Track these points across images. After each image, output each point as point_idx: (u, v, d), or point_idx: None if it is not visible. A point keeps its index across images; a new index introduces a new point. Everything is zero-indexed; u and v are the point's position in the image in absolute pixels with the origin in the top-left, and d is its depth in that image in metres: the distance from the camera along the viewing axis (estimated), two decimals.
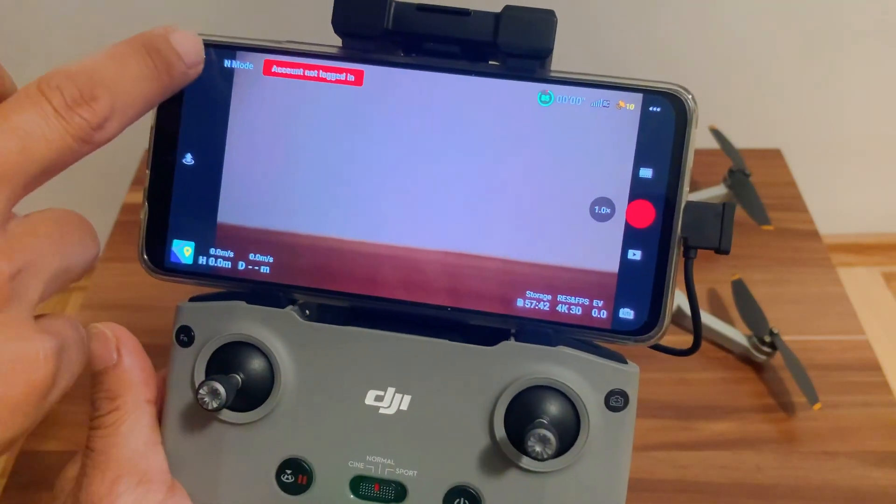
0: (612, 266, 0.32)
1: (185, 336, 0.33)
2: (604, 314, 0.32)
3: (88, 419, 0.32)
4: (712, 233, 0.31)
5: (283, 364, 0.33)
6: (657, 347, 0.34)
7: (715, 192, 0.74)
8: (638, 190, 0.31)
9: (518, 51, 0.31)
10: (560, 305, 0.32)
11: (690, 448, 0.58)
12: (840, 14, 0.99)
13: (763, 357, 0.62)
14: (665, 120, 0.31)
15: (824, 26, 1.00)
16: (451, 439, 0.32)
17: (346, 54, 0.32)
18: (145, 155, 0.74)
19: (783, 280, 0.70)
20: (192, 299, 0.34)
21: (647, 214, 0.31)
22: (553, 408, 0.31)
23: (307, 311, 0.34)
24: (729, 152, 0.75)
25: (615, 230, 0.32)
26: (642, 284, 0.32)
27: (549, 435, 0.29)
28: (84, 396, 0.41)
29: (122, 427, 0.31)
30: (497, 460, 0.32)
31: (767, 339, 0.61)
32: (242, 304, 0.33)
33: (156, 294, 0.65)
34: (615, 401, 0.32)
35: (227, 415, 0.33)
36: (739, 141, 0.77)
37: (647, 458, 0.57)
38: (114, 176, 1.01)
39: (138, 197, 0.78)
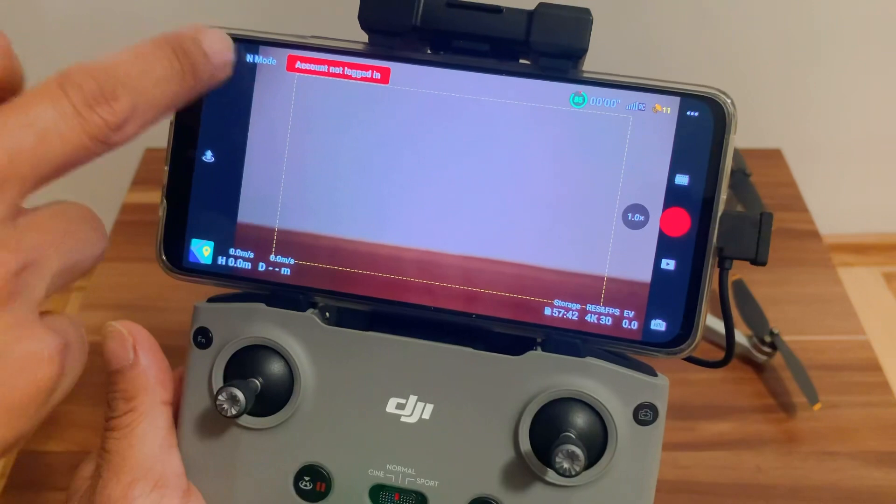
0: (645, 276, 0.31)
1: (202, 338, 0.33)
2: (634, 325, 0.31)
3: (104, 419, 0.32)
4: (749, 243, 0.30)
5: (302, 369, 0.32)
6: (690, 359, 0.33)
7: None
8: (673, 197, 0.30)
9: (551, 50, 0.30)
10: (589, 315, 0.31)
11: (690, 448, 0.58)
12: (840, 14, 0.99)
13: (763, 357, 0.62)
14: (703, 125, 0.30)
15: (825, 26, 1.00)
16: (474, 450, 0.31)
17: (373, 51, 0.32)
18: (146, 154, 0.74)
19: (783, 280, 0.70)
20: (211, 300, 0.33)
21: (682, 223, 0.30)
22: (580, 421, 0.30)
23: (327, 315, 0.33)
24: None
25: (649, 238, 0.31)
26: (675, 295, 0.31)
27: (578, 451, 0.29)
28: (85, 397, 0.41)
29: (138, 429, 0.31)
30: (521, 473, 0.31)
31: (768, 339, 0.61)
32: (262, 306, 0.32)
33: (156, 294, 0.65)
34: (644, 414, 0.31)
35: (245, 420, 0.32)
36: (739, 141, 0.77)
37: None
38: (114, 175, 1.01)
39: (138, 197, 0.78)
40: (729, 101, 0.30)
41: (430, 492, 0.31)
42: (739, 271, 0.68)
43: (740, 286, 0.65)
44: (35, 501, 0.54)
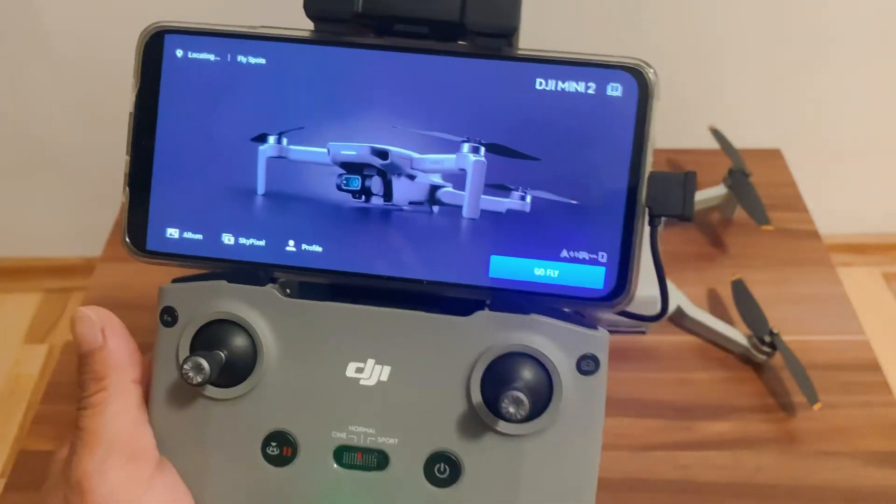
0: (583, 236, 0.33)
1: (168, 316, 0.34)
2: (575, 282, 0.34)
3: (77, 400, 0.34)
4: (675, 201, 0.33)
5: (265, 340, 0.34)
6: (625, 314, 0.36)
7: (715, 192, 0.74)
8: (606, 162, 0.33)
9: (484, 30, 0.32)
10: (533, 275, 0.34)
11: (690, 448, 0.58)
12: (841, 14, 0.99)
13: (763, 357, 0.62)
14: (629, 94, 0.33)
15: (825, 26, 1.01)
16: (431, 407, 0.33)
17: (319, 38, 0.34)
18: None
19: (783, 280, 0.70)
20: (175, 281, 0.35)
21: (614, 185, 0.33)
22: (527, 373, 0.32)
23: (288, 290, 0.35)
24: (729, 152, 0.75)
25: (586, 203, 0.33)
26: (611, 253, 0.33)
27: (522, 397, 0.31)
28: None
29: (109, 406, 0.32)
30: (475, 426, 0.33)
31: (767, 339, 0.61)
32: (224, 283, 0.34)
33: (156, 293, 0.65)
34: (586, 364, 0.33)
35: (211, 391, 0.34)
36: (739, 141, 0.77)
37: (647, 457, 0.57)
38: (114, 176, 1.02)
39: None
40: (651, 70, 0.33)
41: (391, 449, 0.33)
42: (740, 271, 0.68)
43: (740, 286, 0.65)
44: (35, 501, 0.54)
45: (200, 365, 0.31)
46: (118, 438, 0.32)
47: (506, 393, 0.31)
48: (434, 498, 0.33)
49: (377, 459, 0.33)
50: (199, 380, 0.31)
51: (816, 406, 0.58)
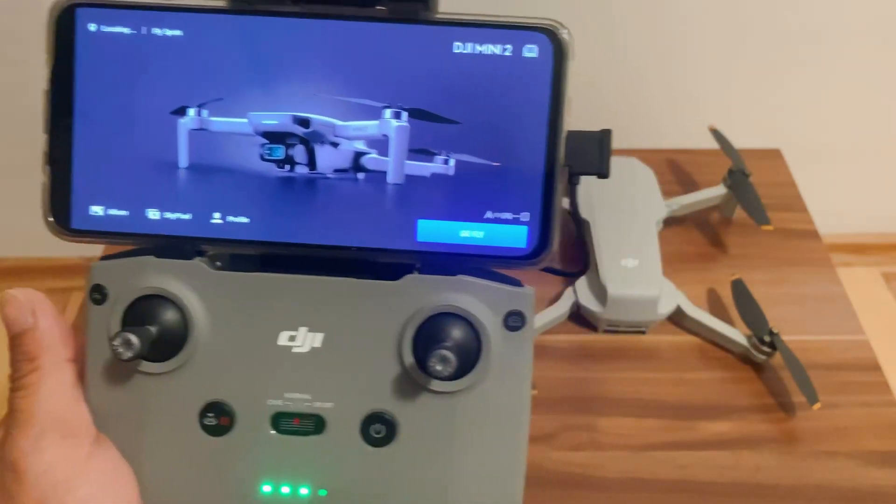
0: (507, 196, 0.34)
1: (98, 294, 0.34)
2: (499, 242, 0.35)
3: (9, 382, 0.33)
4: (592, 159, 0.34)
5: (195, 313, 0.34)
6: (548, 270, 0.37)
7: (714, 193, 0.74)
8: (523, 124, 0.33)
9: None
10: (459, 237, 0.34)
11: (690, 448, 0.58)
12: (841, 14, 0.99)
13: (763, 357, 0.62)
14: (544, 54, 0.33)
15: (825, 26, 1.00)
16: (365, 370, 0.34)
17: (235, 7, 0.33)
18: None
19: (783, 280, 0.70)
20: (104, 258, 0.35)
21: (534, 146, 0.33)
22: (456, 332, 0.34)
23: (218, 263, 0.35)
24: (728, 152, 0.75)
25: (507, 165, 0.34)
26: (532, 212, 0.34)
27: (449, 354, 0.32)
28: None
29: (43, 386, 0.32)
30: (409, 386, 0.34)
31: (767, 338, 0.61)
32: (151, 258, 0.34)
33: None
34: (513, 321, 0.34)
35: (146, 366, 0.34)
36: (739, 141, 0.77)
37: (647, 457, 0.57)
38: None
39: None
40: (565, 30, 0.33)
41: (327, 413, 0.34)
42: (739, 271, 0.68)
43: (740, 286, 0.65)
44: None
45: (130, 341, 0.32)
46: (53, 417, 0.32)
47: (433, 352, 0.32)
48: (372, 457, 0.34)
49: (314, 424, 0.34)
50: (130, 355, 0.32)
51: (816, 406, 0.58)
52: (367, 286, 0.34)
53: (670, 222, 0.74)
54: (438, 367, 0.32)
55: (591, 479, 0.56)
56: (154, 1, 0.34)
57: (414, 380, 0.34)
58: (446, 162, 0.34)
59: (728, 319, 0.66)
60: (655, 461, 0.57)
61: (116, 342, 0.32)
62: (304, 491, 0.35)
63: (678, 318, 0.66)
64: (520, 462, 0.36)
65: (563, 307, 0.65)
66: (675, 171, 0.81)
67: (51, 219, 0.35)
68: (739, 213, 0.75)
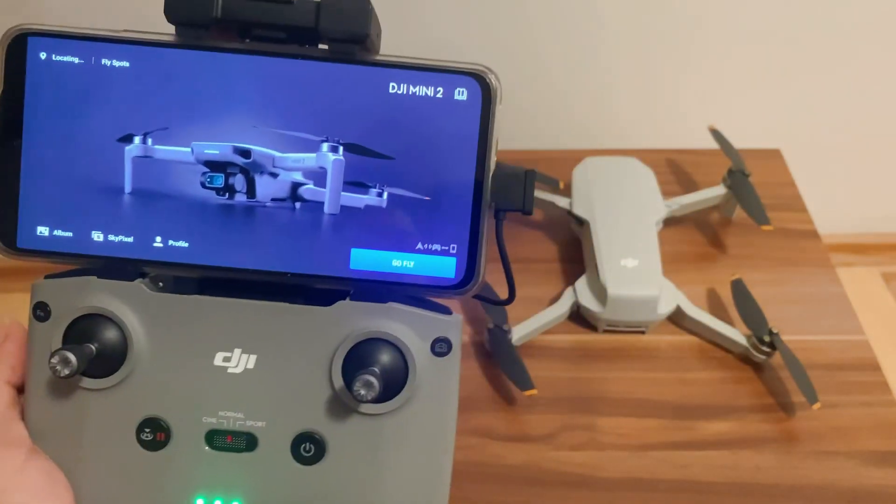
0: (436, 229, 0.36)
1: (41, 312, 0.36)
2: (429, 272, 0.36)
3: None
4: (516, 197, 0.35)
5: (135, 332, 0.35)
6: (478, 297, 0.38)
7: (714, 193, 0.74)
8: (453, 161, 0.35)
9: (338, 35, 0.34)
10: (390, 266, 0.36)
11: (690, 448, 0.58)
12: (841, 14, 0.99)
13: (762, 357, 0.62)
14: (473, 97, 0.35)
15: (825, 26, 1.01)
16: (296, 392, 0.36)
17: (181, 42, 0.35)
18: None
19: (782, 280, 0.71)
20: (47, 277, 0.36)
21: (463, 184, 0.35)
22: (384, 356, 0.35)
23: (161, 283, 0.37)
24: (728, 152, 0.75)
25: (435, 201, 0.36)
26: (461, 245, 0.36)
27: (372, 379, 0.33)
28: None
29: None
30: (338, 408, 0.35)
31: (767, 338, 0.62)
32: (94, 278, 0.36)
33: None
34: (440, 347, 0.36)
35: (86, 382, 0.35)
36: (739, 141, 0.77)
37: (647, 457, 0.57)
38: None
39: None
40: (493, 75, 0.35)
41: (259, 432, 0.36)
42: (739, 271, 0.68)
43: (739, 286, 0.65)
44: None
45: (67, 358, 0.33)
46: None
47: (357, 377, 0.33)
48: (300, 475, 0.36)
49: (246, 441, 0.36)
50: (67, 372, 0.33)
51: (816, 406, 0.58)
52: (299, 311, 0.36)
53: (670, 222, 0.74)
54: (362, 392, 0.33)
55: (591, 479, 0.56)
56: (103, 33, 0.35)
57: (343, 402, 0.35)
58: (380, 195, 0.35)
59: (728, 319, 0.66)
60: (655, 461, 0.57)
61: (54, 360, 0.33)
62: None
63: (678, 318, 0.66)
64: (444, 483, 0.37)
65: (562, 307, 0.65)
66: (675, 171, 0.81)
67: None
68: (739, 213, 0.75)
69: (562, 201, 0.71)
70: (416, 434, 0.36)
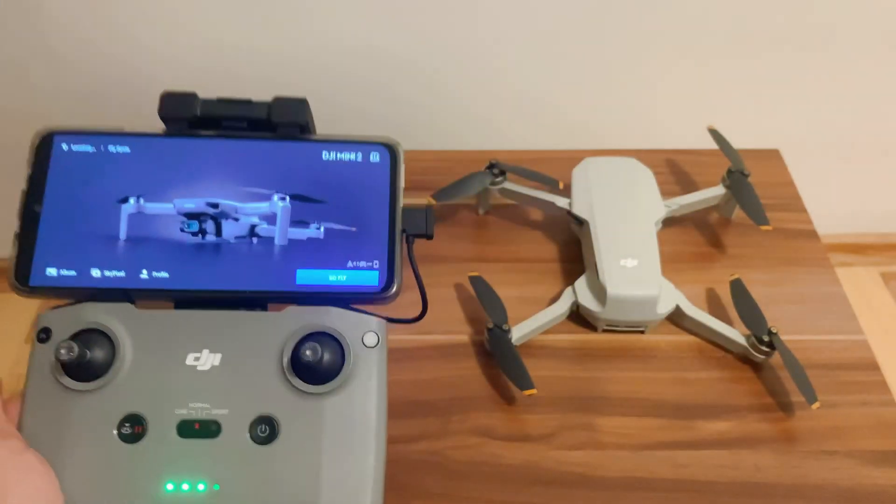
0: (363, 251, 0.46)
1: (43, 335, 0.43)
2: (358, 285, 0.45)
3: None
4: (421, 224, 0.47)
5: (122, 340, 0.43)
6: (391, 320, 0.47)
7: (713, 193, 0.74)
8: (372, 203, 0.47)
9: (284, 124, 0.47)
10: (329, 282, 0.45)
11: (689, 447, 0.58)
12: (840, 14, 0.99)
13: (762, 356, 0.62)
14: (384, 159, 0.48)
15: (824, 25, 1.01)
16: (253, 382, 0.43)
17: (169, 132, 0.47)
18: None
19: (782, 280, 0.71)
20: (51, 309, 0.44)
21: (381, 219, 0.47)
22: (325, 344, 0.43)
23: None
24: (727, 152, 0.75)
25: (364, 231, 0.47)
26: (381, 263, 0.46)
27: (316, 345, 0.41)
28: None
29: None
30: (288, 393, 0.43)
31: (766, 338, 0.62)
32: (90, 303, 0.44)
33: None
34: (369, 339, 0.44)
35: (76, 385, 0.42)
36: (738, 141, 0.77)
37: (646, 456, 0.58)
38: None
39: None
40: (399, 144, 0.48)
41: (223, 418, 0.42)
42: (738, 271, 0.68)
43: (739, 286, 0.65)
44: None
45: (72, 346, 0.40)
46: None
47: (304, 345, 0.41)
48: (257, 454, 0.41)
49: (212, 428, 0.42)
50: (70, 357, 0.40)
51: (815, 405, 0.58)
52: (256, 316, 0.44)
53: (669, 222, 0.75)
54: (308, 353, 0.41)
55: (591, 478, 0.56)
56: (112, 130, 0.47)
57: (293, 387, 0.43)
58: (318, 229, 0.46)
59: (727, 319, 0.66)
60: (655, 460, 0.57)
61: (62, 350, 0.40)
62: (200, 487, 0.41)
63: (677, 318, 0.66)
64: (374, 460, 0.43)
65: (562, 307, 0.66)
66: (675, 171, 0.81)
67: (14, 281, 0.44)
68: (738, 214, 0.76)
69: (561, 201, 0.71)
70: (351, 412, 0.42)
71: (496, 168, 0.74)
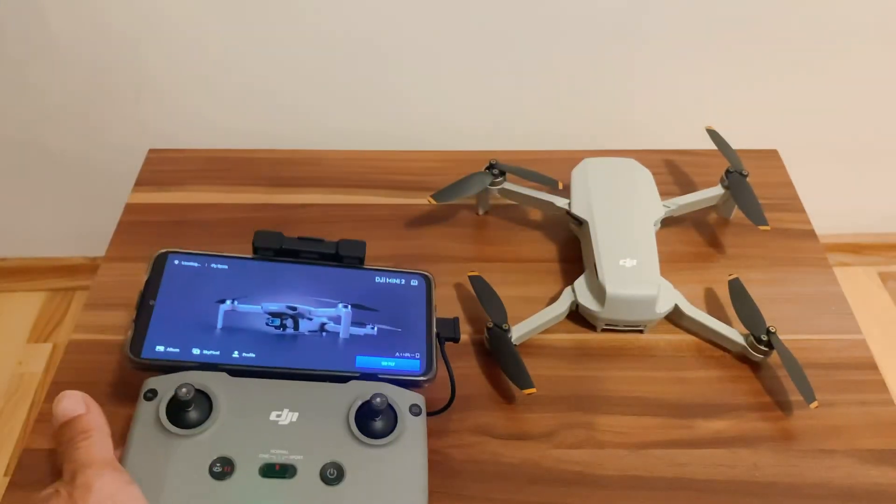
0: (409, 348, 0.57)
1: (150, 394, 0.50)
2: (406, 369, 0.56)
3: (63, 464, 0.44)
4: (450, 331, 0.59)
5: (219, 397, 0.51)
6: (429, 413, 0.56)
7: (712, 193, 0.75)
8: (414, 313, 0.59)
9: (348, 257, 0.60)
10: (384, 367, 0.56)
11: (688, 446, 0.58)
12: (839, 14, 1.00)
13: (760, 356, 0.63)
14: (421, 284, 0.61)
15: (822, 26, 1.01)
16: (324, 435, 0.51)
17: (258, 258, 0.60)
18: (149, 155, 0.80)
19: (780, 280, 0.71)
20: (153, 377, 0.52)
21: (419, 323, 0.59)
22: (382, 408, 0.51)
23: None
24: (726, 153, 0.75)
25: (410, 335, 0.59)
26: (423, 356, 0.57)
27: (384, 395, 0.51)
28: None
29: (96, 443, 0.45)
30: (353, 444, 0.50)
31: (764, 337, 0.62)
32: (190, 371, 0.52)
33: None
34: (414, 409, 0.53)
35: (179, 431, 0.49)
36: (736, 141, 0.77)
37: (645, 456, 0.58)
38: (118, 177, 1.02)
39: (142, 197, 0.79)
40: (431, 274, 0.61)
41: (298, 462, 0.49)
42: (737, 271, 0.68)
43: (737, 285, 0.66)
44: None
45: (190, 387, 0.49)
46: (105, 459, 0.45)
47: (374, 398, 0.50)
48: (327, 493, 0.48)
49: (289, 470, 0.49)
50: (189, 396, 0.49)
51: (813, 404, 0.58)
52: (327, 386, 0.53)
53: (668, 222, 0.75)
54: (377, 400, 0.50)
55: (590, 477, 0.57)
56: (214, 253, 0.59)
57: (357, 440, 0.50)
58: (372, 328, 0.57)
59: (726, 319, 0.67)
60: (653, 459, 0.58)
61: (183, 388, 0.49)
62: None
63: (676, 318, 0.66)
64: (422, 499, 0.50)
65: (561, 306, 0.66)
66: (673, 171, 0.81)
67: (129, 353, 0.52)
68: (737, 214, 0.76)
69: (560, 201, 0.72)
70: (402, 463, 0.50)
71: (496, 168, 0.74)
